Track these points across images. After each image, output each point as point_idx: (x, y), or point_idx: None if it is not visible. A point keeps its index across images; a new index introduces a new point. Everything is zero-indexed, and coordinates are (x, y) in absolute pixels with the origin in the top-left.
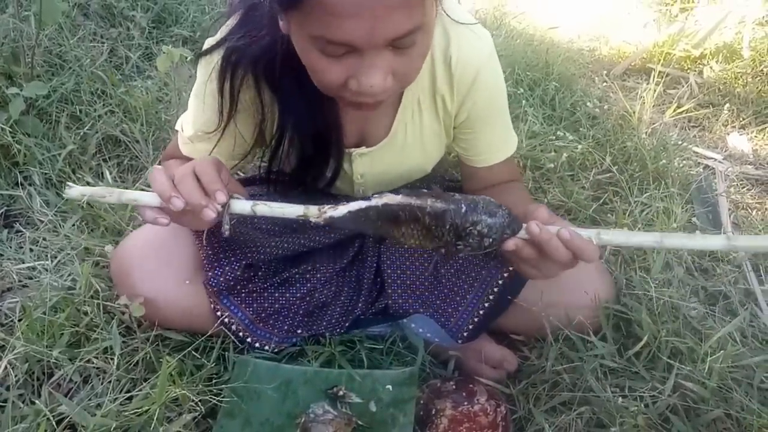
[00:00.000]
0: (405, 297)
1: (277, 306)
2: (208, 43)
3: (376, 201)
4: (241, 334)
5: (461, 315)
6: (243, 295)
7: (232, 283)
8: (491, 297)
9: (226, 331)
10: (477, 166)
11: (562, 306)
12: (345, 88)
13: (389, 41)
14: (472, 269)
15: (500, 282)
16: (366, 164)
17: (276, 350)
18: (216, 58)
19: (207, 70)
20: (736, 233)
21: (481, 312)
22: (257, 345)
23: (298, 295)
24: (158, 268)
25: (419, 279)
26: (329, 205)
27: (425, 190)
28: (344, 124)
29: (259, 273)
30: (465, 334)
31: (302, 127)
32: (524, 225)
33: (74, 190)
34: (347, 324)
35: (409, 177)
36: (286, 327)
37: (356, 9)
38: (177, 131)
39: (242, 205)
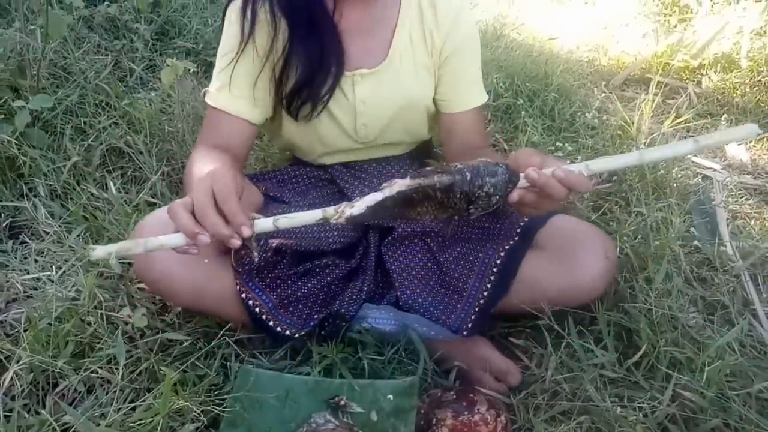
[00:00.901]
0: (412, 287)
1: (299, 294)
2: None
3: (389, 191)
4: (264, 317)
5: (466, 301)
6: (268, 280)
7: (262, 263)
8: (492, 278)
9: (247, 312)
10: (455, 112)
11: (564, 285)
12: None
13: None
14: (470, 253)
15: (498, 262)
16: (367, 89)
17: (295, 335)
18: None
19: (231, 12)
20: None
21: (485, 293)
22: (278, 329)
23: (318, 286)
24: None
25: (423, 270)
26: (345, 203)
27: (428, 168)
28: (345, 46)
29: (284, 260)
30: (469, 324)
31: (308, 40)
32: (522, 174)
33: (99, 251)
34: (361, 303)
35: (408, 117)
36: (304, 316)
37: None
38: (208, 105)
39: (264, 224)
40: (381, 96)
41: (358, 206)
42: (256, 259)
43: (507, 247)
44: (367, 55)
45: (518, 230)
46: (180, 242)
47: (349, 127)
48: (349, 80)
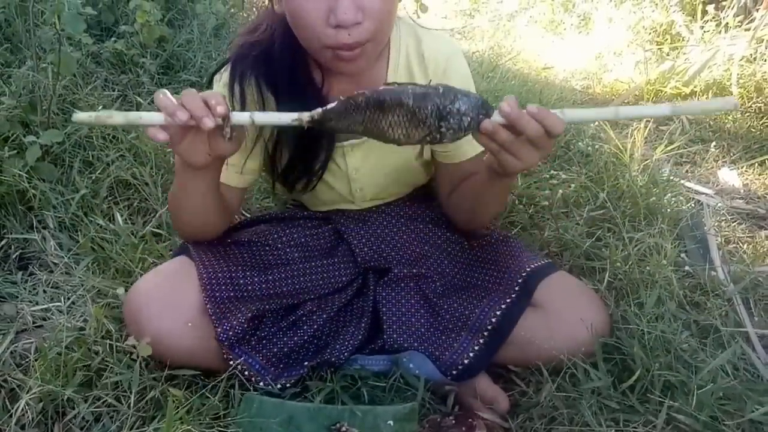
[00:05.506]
0: (399, 332)
1: (286, 350)
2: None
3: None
4: (252, 379)
5: (456, 351)
6: (253, 342)
7: (241, 335)
8: (485, 334)
9: (239, 374)
10: (454, 162)
11: (560, 340)
12: (326, 33)
13: None
14: (467, 307)
15: (493, 320)
16: (358, 159)
17: (287, 385)
18: (225, 74)
19: (217, 88)
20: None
21: (476, 348)
22: (269, 387)
23: (306, 337)
24: (164, 310)
25: (415, 316)
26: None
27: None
28: None
29: (265, 320)
30: (455, 372)
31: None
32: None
33: (82, 115)
34: (352, 351)
35: (403, 176)
36: (296, 366)
37: None
38: None
39: (241, 117)
40: (372, 163)
41: (332, 103)
42: (227, 136)
43: (503, 306)
44: None
45: (517, 285)
46: (157, 119)
47: (344, 192)
48: (339, 151)
